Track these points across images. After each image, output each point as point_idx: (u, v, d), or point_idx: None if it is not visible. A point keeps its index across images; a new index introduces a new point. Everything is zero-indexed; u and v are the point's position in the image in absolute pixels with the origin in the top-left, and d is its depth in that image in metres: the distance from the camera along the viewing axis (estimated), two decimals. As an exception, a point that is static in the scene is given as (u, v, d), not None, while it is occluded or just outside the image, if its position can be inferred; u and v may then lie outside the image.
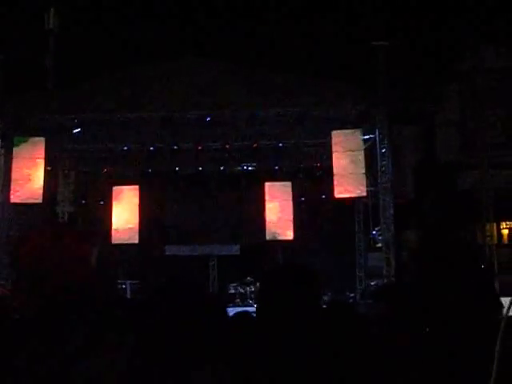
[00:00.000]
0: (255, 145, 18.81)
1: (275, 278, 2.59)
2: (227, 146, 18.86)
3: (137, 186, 19.60)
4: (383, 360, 2.53)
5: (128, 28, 17.05)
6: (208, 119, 17.60)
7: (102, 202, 20.30)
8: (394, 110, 17.24)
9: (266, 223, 19.27)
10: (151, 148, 18.88)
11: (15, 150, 17.18)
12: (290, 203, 19.31)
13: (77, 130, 17.82)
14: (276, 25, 16.68)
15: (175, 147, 18.90)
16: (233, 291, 19.64)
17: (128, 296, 17.65)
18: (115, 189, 19.59)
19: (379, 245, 18.72)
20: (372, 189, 17.56)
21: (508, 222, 20.24)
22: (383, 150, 17.23)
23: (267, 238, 19.13)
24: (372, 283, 18.81)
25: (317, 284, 2.52)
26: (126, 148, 18.80)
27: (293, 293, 2.45)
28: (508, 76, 18.48)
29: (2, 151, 17.48)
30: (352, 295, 19.14)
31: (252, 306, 17.52)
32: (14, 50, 16.60)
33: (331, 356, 2.34)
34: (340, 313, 3.07)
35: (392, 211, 16.94)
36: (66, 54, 17.29)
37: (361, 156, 17.16)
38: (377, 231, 19.02)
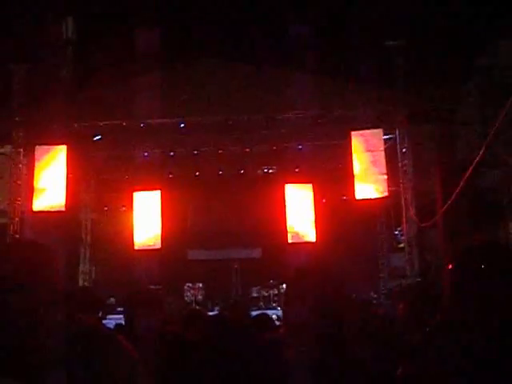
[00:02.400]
0: (275, 147, 18.82)
1: (301, 280, 2.60)
2: (247, 150, 18.89)
3: (158, 192, 19.67)
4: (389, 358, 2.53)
5: (145, 34, 17.11)
6: (227, 123, 17.65)
7: (124, 209, 20.42)
8: (414, 109, 17.17)
9: (288, 226, 19.25)
10: (171, 153, 18.95)
11: (37, 158, 17.37)
12: (311, 205, 19.27)
13: (97, 138, 17.97)
14: (293, 26, 16.64)
15: (195, 152, 18.96)
16: (256, 294, 19.70)
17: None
18: (136, 195, 19.68)
19: (402, 245, 18.67)
20: (393, 189, 17.49)
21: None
22: (404, 150, 17.17)
23: (289, 240, 19.10)
24: (395, 284, 18.76)
25: (342, 284, 2.54)
26: (146, 154, 18.89)
27: (320, 293, 2.46)
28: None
29: (25, 160, 17.68)
30: (375, 296, 19.08)
31: (275, 308, 17.55)
32: (34, 60, 16.79)
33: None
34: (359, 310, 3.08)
35: (414, 211, 16.86)
36: (85, 63, 17.41)
37: (381, 156, 17.10)
38: (399, 231, 18.96)
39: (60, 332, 1.98)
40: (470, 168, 14.53)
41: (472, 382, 2.00)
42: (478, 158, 14.19)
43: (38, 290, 1.92)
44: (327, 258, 17.76)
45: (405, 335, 2.94)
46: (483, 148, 14.30)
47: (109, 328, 2.91)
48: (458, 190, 14.71)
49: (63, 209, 17.19)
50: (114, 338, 2.07)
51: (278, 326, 4.87)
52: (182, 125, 17.66)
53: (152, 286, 19.61)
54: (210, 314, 7.50)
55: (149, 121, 17.43)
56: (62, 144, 17.32)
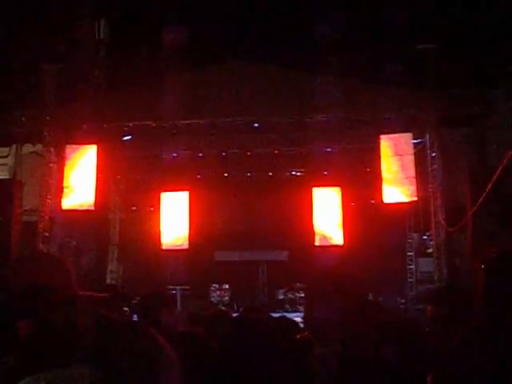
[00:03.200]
0: (303, 150, 18.79)
1: (320, 284, 2.60)
2: (276, 152, 18.88)
3: (186, 192, 19.76)
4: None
5: (175, 35, 17.17)
6: (256, 125, 17.68)
7: (152, 209, 20.53)
8: (444, 113, 17.03)
9: (315, 229, 19.20)
10: (200, 154, 19.02)
11: (68, 157, 17.57)
12: (339, 209, 19.19)
13: (127, 138, 18.12)
14: (323, 28, 16.59)
15: (223, 153, 19.01)
16: (282, 297, 19.70)
17: (178, 302, 17.86)
18: (164, 195, 19.79)
19: (430, 250, 18.51)
20: (422, 193, 17.35)
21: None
22: (433, 154, 17.05)
23: (316, 243, 19.06)
24: (422, 289, 18.61)
25: (361, 288, 2.53)
26: (175, 155, 18.98)
27: (345, 295, 2.45)
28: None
29: (55, 159, 17.88)
30: (403, 301, 18.95)
31: (301, 311, 17.51)
32: (66, 60, 16.97)
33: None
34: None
35: (443, 215, 16.72)
36: (117, 63, 17.54)
37: (411, 160, 16.99)
38: (428, 236, 18.81)
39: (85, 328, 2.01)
40: (498, 171, 14.38)
41: None
42: (505, 162, 14.04)
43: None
44: (354, 261, 17.68)
45: (434, 338, 2.91)
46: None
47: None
48: (485, 194, 14.55)
49: (92, 208, 17.35)
50: (141, 325, 2.09)
51: (302, 328, 4.84)
52: (211, 126, 17.73)
53: (179, 287, 19.82)
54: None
55: (178, 122, 17.52)
56: (92, 143, 17.48)
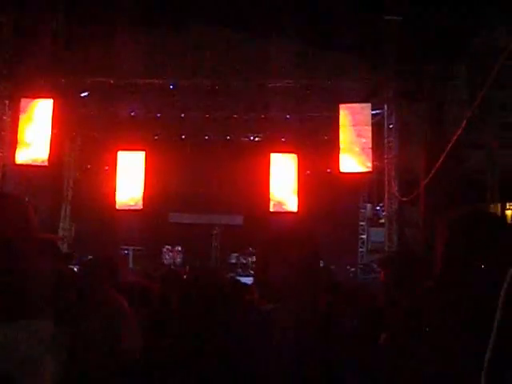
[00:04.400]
0: (263, 116, 18.74)
1: (276, 242, 2.61)
2: (234, 116, 18.80)
3: (142, 152, 19.60)
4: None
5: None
6: (217, 88, 17.55)
7: (107, 168, 20.31)
8: (404, 85, 17.13)
9: (270, 195, 19.28)
10: (158, 115, 18.82)
11: (22, 111, 17.18)
12: (295, 176, 19.29)
13: (85, 94, 17.80)
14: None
15: (182, 115, 18.85)
16: (234, 261, 19.81)
17: (130, 262, 17.82)
18: (121, 154, 19.59)
19: (382, 220, 18.79)
20: (378, 164, 17.52)
21: (513, 203, 20.24)
22: (390, 126, 17.19)
23: (271, 209, 19.16)
24: (372, 258, 18.91)
25: (315, 248, 2.54)
26: (133, 114, 18.74)
27: (292, 254, 2.47)
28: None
29: (10, 113, 17.47)
30: (353, 269, 19.24)
31: (252, 276, 17.62)
32: (23, 11, 16.50)
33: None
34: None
35: (396, 187, 16.94)
36: (76, 18, 17.13)
37: (368, 131, 17.08)
38: (380, 207, 19.06)
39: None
40: (449, 145, 14.59)
41: (463, 342, 2.03)
42: (458, 134, 14.25)
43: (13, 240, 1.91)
44: (307, 227, 17.83)
45: (389, 301, 2.97)
46: (464, 122, 14.34)
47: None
48: (437, 166, 14.77)
49: (46, 163, 17.06)
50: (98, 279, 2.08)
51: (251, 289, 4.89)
52: (171, 86, 17.54)
53: (131, 247, 19.76)
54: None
55: (137, 80, 17.27)
56: (49, 98, 17.11)
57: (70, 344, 1.76)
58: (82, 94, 17.77)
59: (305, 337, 2.24)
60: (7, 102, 17.35)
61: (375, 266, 16.55)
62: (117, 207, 19.25)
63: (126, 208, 19.30)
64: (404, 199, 16.72)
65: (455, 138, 14.55)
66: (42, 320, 1.79)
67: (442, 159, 14.61)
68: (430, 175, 15.23)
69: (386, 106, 17.30)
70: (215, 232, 20.95)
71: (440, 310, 2.17)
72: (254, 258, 18.95)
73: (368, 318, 2.53)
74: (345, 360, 2.17)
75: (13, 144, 17.12)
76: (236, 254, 19.96)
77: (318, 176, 19.85)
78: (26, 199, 16.45)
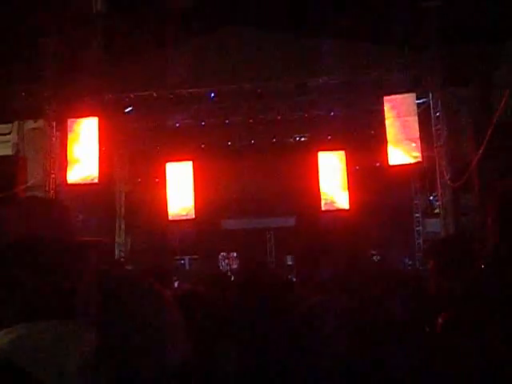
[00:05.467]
0: (306, 114, 18.64)
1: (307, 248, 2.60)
2: (278, 118, 18.74)
3: (190, 162, 19.71)
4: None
5: (174, 3, 17.00)
6: (258, 91, 17.54)
7: (157, 180, 20.50)
8: (448, 72, 16.81)
9: (321, 193, 19.16)
10: (203, 123, 18.90)
11: (69, 131, 17.50)
12: (344, 173, 19.14)
13: (129, 109, 18.01)
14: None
15: (227, 121, 18.88)
16: (291, 262, 19.72)
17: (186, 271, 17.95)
18: (169, 166, 19.74)
19: (437, 210, 18.47)
20: (427, 154, 17.24)
21: None
22: (437, 114, 16.89)
23: (323, 208, 19.03)
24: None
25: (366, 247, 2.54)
26: (177, 125, 18.88)
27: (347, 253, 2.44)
28: None
29: (58, 134, 17.82)
30: (410, 262, 18.96)
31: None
32: (63, 33, 16.83)
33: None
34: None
35: (449, 175, 16.62)
36: (115, 34, 17.40)
37: (414, 121, 16.83)
38: (434, 197, 18.74)
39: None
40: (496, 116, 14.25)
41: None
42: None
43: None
44: (360, 224, 17.66)
45: (441, 285, 2.88)
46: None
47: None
48: (481, 150, 14.45)
49: (96, 180, 17.31)
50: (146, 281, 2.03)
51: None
52: (213, 94, 17.61)
53: (187, 257, 19.91)
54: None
55: (179, 91, 17.39)
56: (94, 116, 17.39)
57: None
58: (126, 110, 17.97)
59: (354, 324, 2.19)
60: (54, 123, 17.69)
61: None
62: (169, 218, 19.39)
63: (179, 218, 19.42)
64: (456, 184, 16.37)
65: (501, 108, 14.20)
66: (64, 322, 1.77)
67: (487, 137, 14.27)
68: (477, 160, 14.90)
69: (430, 94, 16.99)
70: (269, 235, 20.93)
71: (498, 288, 2.07)
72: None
73: (419, 304, 2.44)
74: (396, 346, 2.10)
75: (63, 164, 17.45)
76: (291, 256, 19.89)
77: (368, 171, 19.64)
78: (81, 217, 16.80)
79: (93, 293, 1.83)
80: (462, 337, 2.12)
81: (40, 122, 18.26)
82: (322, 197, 19.08)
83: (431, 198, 19.31)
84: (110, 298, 1.84)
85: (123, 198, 21.54)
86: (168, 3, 17.31)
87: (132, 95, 17.56)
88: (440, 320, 2.43)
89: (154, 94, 17.47)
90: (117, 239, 20.89)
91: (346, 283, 2.43)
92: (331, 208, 18.97)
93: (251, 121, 18.85)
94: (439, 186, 16.97)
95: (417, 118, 16.79)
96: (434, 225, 18.56)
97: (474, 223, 16.54)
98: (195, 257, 20.12)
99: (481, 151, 14.81)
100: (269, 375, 2.34)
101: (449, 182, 16.60)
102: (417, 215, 19.96)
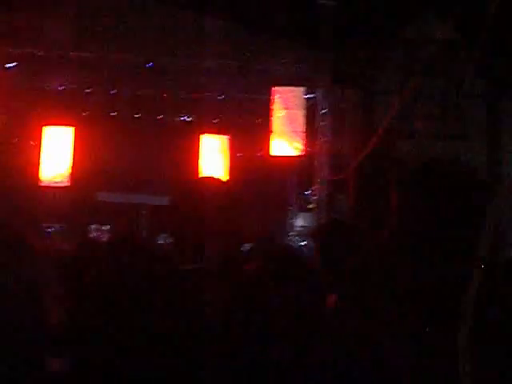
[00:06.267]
0: (194, 95, 18.50)
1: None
2: (165, 95, 18.49)
3: (71, 128, 19.07)
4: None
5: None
6: (149, 65, 17.22)
7: (32, 143, 19.68)
8: (337, 71, 17.20)
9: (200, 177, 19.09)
10: (88, 90, 18.33)
11: None
12: (226, 158, 19.17)
13: (12, 65, 17.17)
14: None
15: (113, 91, 18.42)
16: (163, 242, 19.53)
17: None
18: (47, 129, 19.01)
19: (311, 206, 18.88)
20: (310, 149, 17.57)
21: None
22: (323, 111, 17.23)
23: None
24: (302, 243, 19.01)
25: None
26: (60, 88, 18.20)
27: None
28: (450, 48, 18.63)
29: None
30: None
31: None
32: None
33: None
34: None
35: (327, 172, 17.02)
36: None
37: (302, 115, 17.10)
38: (311, 192, 19.14)
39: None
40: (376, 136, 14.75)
41: None
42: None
43: None
44: (236, 211, 17.73)
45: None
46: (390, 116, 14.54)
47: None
48: (363, 155, 14.94)
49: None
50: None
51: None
52: (102, 61, 17.09)
53: (56, 225, 19.25)
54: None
55: (67, 53, 16.76)
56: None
57: None
58: (9, 65, 17.12)
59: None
60: None
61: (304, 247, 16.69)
62: (41, 183, 18.70)
63: (52, 184, 18.77)
64: (332, 179, 16.80)
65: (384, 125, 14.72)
66: None
67: (370, 145, 14.76)
68: (354, 165, 15.38)
69: (319, 91, 17.31)
70: (144, 212, 20.64)
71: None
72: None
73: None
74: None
75: None
76: (165, 235, 19.71)
77: (250, 159, 19.76)
78: None
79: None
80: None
81: None
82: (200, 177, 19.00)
83: (307, 193, 19.68)
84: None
85: (-6, 158, 20.50)
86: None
87: (16, 51, 16.73)
88: (332, 298, 2.43)
89: (39, 53, 16.72)
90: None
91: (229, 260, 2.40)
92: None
93: (138, 94, 18.48)
94: (317, 181, 17.34)
95: (304, 112, 17.06)
96: (306, 219, 18.98)
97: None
98: (63, 226, 19.47)
99: (361, 156, 15.25)
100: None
101: (326, 179, 17.00)
102: (291, 208, 20.33)
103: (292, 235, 19.86)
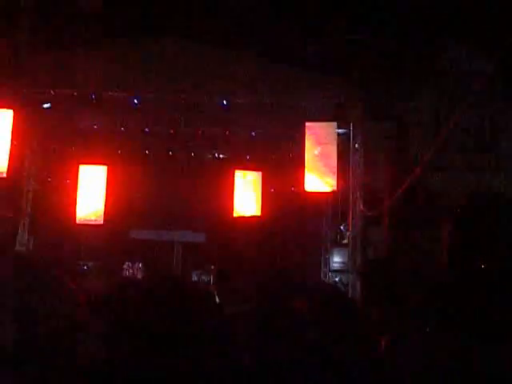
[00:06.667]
0: (227, 132, 18.58)
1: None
2: (199, 132, 18.60)
3: (105, 167, 19.28)
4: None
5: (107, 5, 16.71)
6: (181, 102, 17.35)
7: (68, 181, 19.92)
8: (370, 105, 17.17)
9: (234, 213, 19.07)
10: (122, 128, 18.53)
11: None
12: (259, 193, 19.15)
13: (47, 105, 17.44)
14: (256, 11, 16.44)
15: (146, 129, 18.61)
16: (196, 278, 19.52)
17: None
18: (83, 168, 19.24)
19: (345, 241, 18.72)
20: (343, 184, 17.46)
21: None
22: (356, 145, 17.17)
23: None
24: (336, 279, 18.83)
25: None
26: (95, 127, 18.44)
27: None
28: (480, 79, 18.54)
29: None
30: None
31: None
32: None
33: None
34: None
35: (361, 207, 16.88)
36: (41, 29, 16.93)
37: (333, 150, 17.02)
38: (344, 226, 18.99)
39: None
40: (418, 169, 14.63)
41: None
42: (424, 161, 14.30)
43: None
44: (270, 249, 17.64)
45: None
46: (432, 149, 14.44)
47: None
48: (403, 188, 14.81)
49: (4, 175, 16.64)
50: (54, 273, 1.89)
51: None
52: (136, 100, 17.26)
53: (91, 263, 19.35)
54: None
55: (101, 93, 16.97)
56: (9, 108, 16.73)
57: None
58: (44, 106, 17.39)
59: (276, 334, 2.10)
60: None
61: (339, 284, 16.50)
62: (77, 221, 18.87)
63: (87, 222, 18.93)
64: (369, 214, 16.65)
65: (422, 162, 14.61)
66: None
67: (407, 183, 14.64)
68: (393, 198, 15.24)
69: (351, 126, 17.27)
70: (177, 249, 20.66)
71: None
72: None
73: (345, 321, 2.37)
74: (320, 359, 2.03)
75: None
76: (198, 272, 19.69)
77: (283, 194, 19.72)
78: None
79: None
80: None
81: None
82: (235, 216, 18.98)
83: (342, 227, 19.54)
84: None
85: (31, 196, 20.76)
86: (92, 2, 17.01)
87: (52, 92, 17.00)
88: (383, 342, 2.38)
89: (74, 93, 16.96)
90: (19, 237, 20.10)
91: (269, 294, 2.35)
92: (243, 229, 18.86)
93: (171, 132, 18.62)
94: (351, 215, 17.21)
95: (336, 147, 16.99)
96: (341, 254, 18.83)
97: (378, 256, 16.86)
98: (99, 263, 19.56)
99: (398, 191, 15.13)
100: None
101: (360, 213, 16.86)
102: (326, 243, 20.18)
103: (327, 270, 19.71)
